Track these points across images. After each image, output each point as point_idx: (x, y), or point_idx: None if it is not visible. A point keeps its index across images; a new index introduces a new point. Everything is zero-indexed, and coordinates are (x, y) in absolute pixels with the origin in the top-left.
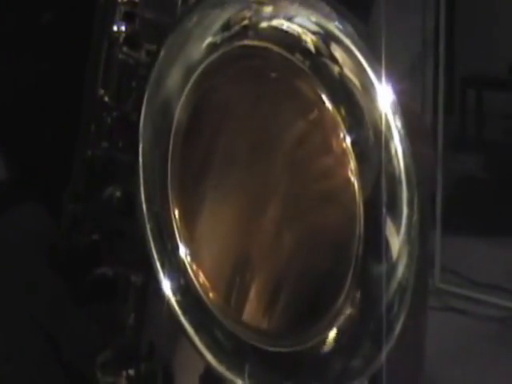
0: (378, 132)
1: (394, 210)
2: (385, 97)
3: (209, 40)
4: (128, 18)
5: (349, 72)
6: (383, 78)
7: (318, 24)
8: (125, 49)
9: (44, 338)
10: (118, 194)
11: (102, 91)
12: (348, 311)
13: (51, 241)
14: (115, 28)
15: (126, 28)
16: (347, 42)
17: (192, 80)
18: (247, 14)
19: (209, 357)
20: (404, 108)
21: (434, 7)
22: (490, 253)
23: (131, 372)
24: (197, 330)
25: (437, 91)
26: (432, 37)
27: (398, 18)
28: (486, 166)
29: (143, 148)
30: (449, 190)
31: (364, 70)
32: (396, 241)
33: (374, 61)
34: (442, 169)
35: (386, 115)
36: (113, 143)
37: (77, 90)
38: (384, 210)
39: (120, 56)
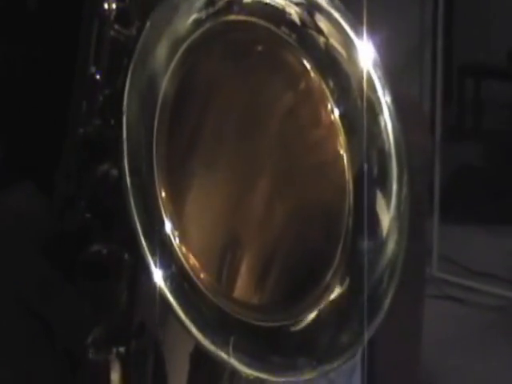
0: (366, 102)
1: (383, 184)
2: (366, 53)
3: (194, 16)
4: None
5: (334, 42)
6: (364, 36)
7: None
8: (116, 26)
9: (33, 318)
10: (110, 171)
11: (93, 68)
12: (337, 286)
13: (43, 221)
14: (106, 5)
15: (117, 5)
16: (330, 9)
17: (178, 54)
18: None
19: (193, 330)
20: (391, 75)
21: None
22: (488, 242)
23: (121, 349)
24: (182, 305)
25: (435, 80)
26: (430, 26)
27: (397, 7)
28: (485, 155)
29: (128, 121)
30: (447, 179)
31: (350, 39)
32: (386, 216)
33: (358, 25)
34: (440, 158)
35: (373, 83)
36: (105, 120)
37: (68, 67)
38: (373, 184)
39: (111, 33)
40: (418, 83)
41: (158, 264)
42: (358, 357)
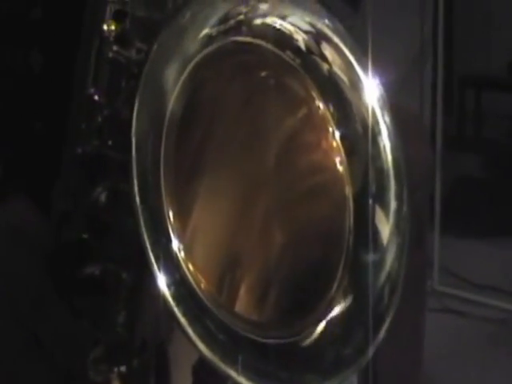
0: (366, 126)
1: (382, 202)
2: (371, 91)
3: (205, 31)
4: (118, 16)
5: (338, 69)
6: (370, 72)
7: (310, 23)
8: (115, 47)
9: (29, 337)
10: (108, 191)
11: (92, 89)
12: (339, 302)
13: (39, 236)
14: (105, 27)
15: (116, 27)
16: (337, 40)
17: (187, 72)
18: (244, 9)
19: (202, 347)
20: (391, 102)
21: (433, 7)
22: (489, 254)
23: (123, 369)
24: (190, 322)
25: (435, 91)
26: (430, 36)
27: (397, 17)
28: (485, 166)
29: (137, 141)
30: (447, 191)
31: (352, 67)
32: (385, 232)
33: (363, 57)
34: (441, 169)
35: (373, 109)
36: (103, 141)
37: (67, 87)
38: (373, 202)
39: (110, 54)
40: (418, 94)
41: (163, 275)
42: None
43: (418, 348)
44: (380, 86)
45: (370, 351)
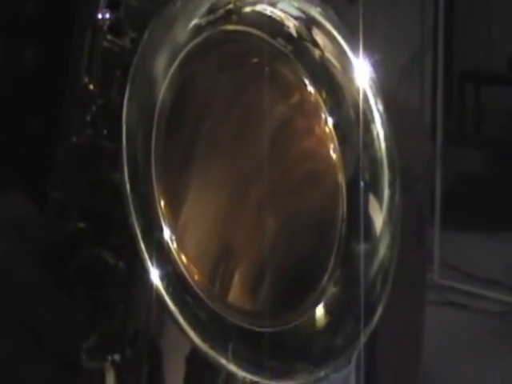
0: (358, 112)
1: (376, 190)
2: (364, 76)
3: (194, 21)
4: (112, 5)
5: (330, 55)
6: (361, 57)
7: (300, 9)
8: (109, 36)
9: (24, 326)
10: (103, 181)
11: (86, 79)
12: (331, 290)
13: (34, 227)
14: (99, 16)
15: (110, 16)
16: (328, 26)
17: (177, 62)
18: None
19: (192, 335)
20: (391, 95)
21: (433, 2)
22: (489, 248)
23: (116, 357)
24: (180, 310)
25: (435, 87)
26: (431, 32)
27: (397, 13)
28: (485, 161)
29: (127, 130)
30: (447, 186)
31: (345, 53)
32: (379, 221)
33: (354, 42)
34: (441, 164)
35: (365, 92)
36: (97, 130)
37: (60, 76)
38: (366, 190)
39: (105, 44)
40: (418, 90)
41: (155, 266)
42: (353, 365)
43: (418, 342)
44: (373, 73)
45: (362, 340)
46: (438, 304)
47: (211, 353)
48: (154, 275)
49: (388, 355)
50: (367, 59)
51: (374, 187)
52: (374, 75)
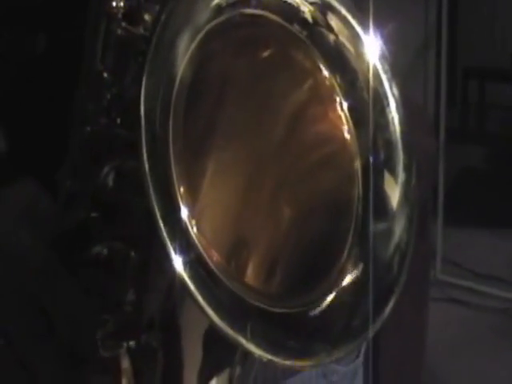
0: (373, 96)
1: (391, 169)
2: (373, 47)
3: (216, 1)
4: None
5: (344, 39)
6: (370, 30)
7: None
8: (123, 24)
9: (38, 314)
10: (116, 170)
11: (100, 66)
12: (350, 271)
13: (47, 216)
14: (114, 3)
15: (125, 3)
16: (343, 10)
17: (196, 41)
18: None
19: (211, 313)
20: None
21: None
22: (492, 244)
23: (132, 344)
24: (198, 288)
25: (439, 82)
26: (434, 28)
27: (401, 9)
28: (488, 157)
29: (145, 111)
30: (450, 181)
31: (359, 37)
32: (394, 200)
33: (366, 22)
34: (444, 160)
35: (379, 76)
36: (112, 119)
37: (74, 65)
38: (381, 169)
39: (119, 31)
40: (422, 85)
41: (177, 251)
42: (360, 360)
43: (421, 337)
44: (388, 58)
45: (378, 323)
46: (441, 300)
47: (230, 331)
48: (177, 261)
49: (391, 351)
50: (378, 35)
51: (389, 166)
52: (385, 51)
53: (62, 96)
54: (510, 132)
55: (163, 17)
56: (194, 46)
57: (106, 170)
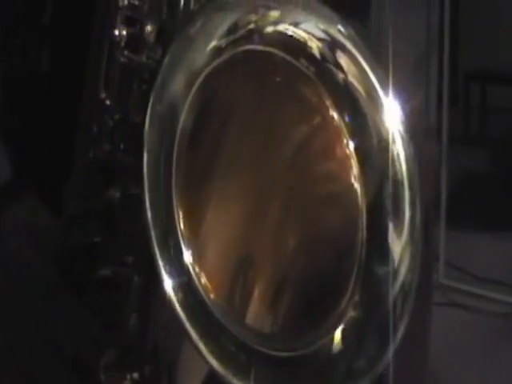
0: (381, 138)
1: (396, 212)
2: (393, 113)
3: (213, 43)
4: (129, 22)
5: (353, 79)
6: (390, 93)
7: (324, 31)
8: (126, 52)
9: (44, 335)
10: (120, 195)
11: (103, 94)
12: (351, 313)
13: (52, 240)
14: (116, 32)
15: (127, 31)
16: (352, 48)
17: (197, 84)
18: (253, 17)
19: (214, 363)
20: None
21: (439, 2)
22: (494, 248)
23: (135, 375)
24: (201, 336)
25: (441, 86)
26: (436, 31)
27: (403, 12)
28: (491, 161)
29: (148, 146)
30: (453, 186)
31: (368, 77)
32: (398, 244)
33: (378, 68)
34: (447, 164)
35: (386, 111)
36: (114, 145)
37: (78, 91)
38: (386, 215)
39: (121, 59)
40: (424, 89)
41: (171, 279)
42: None
43: (425, 342)
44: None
45: (384, 361)
46: (443, 305)
47: (234, 380)
48: (170, 292)
49: (394, 355)
50: (396, 97)
51: (394, 209)
52: (403, 116)
53: (65, 121)
54: None
55: (164, 61)
56: (194, 89)
57: (109, 194)
